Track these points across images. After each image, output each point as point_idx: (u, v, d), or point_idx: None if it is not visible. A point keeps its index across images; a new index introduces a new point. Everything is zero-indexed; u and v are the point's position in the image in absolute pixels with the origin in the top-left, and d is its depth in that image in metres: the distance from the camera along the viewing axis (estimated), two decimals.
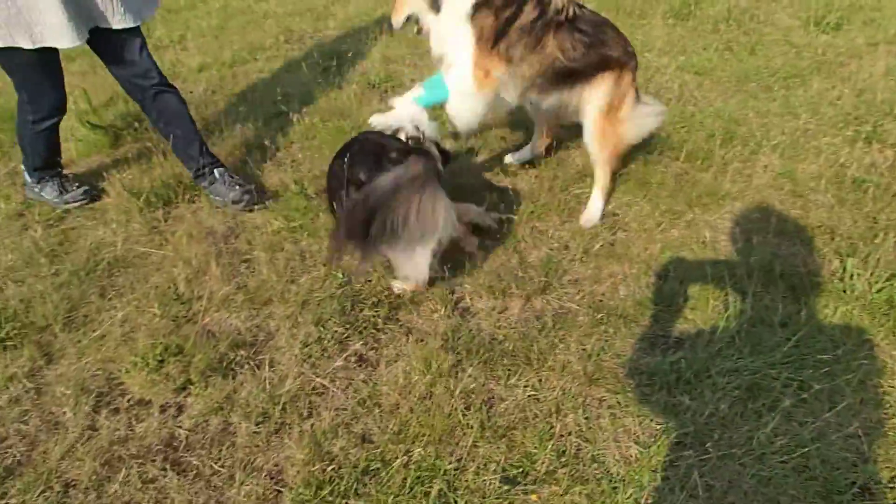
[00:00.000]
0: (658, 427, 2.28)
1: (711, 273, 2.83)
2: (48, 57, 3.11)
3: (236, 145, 4.00)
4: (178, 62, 5.22)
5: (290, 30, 5.70)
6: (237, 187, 3.51)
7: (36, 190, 3.65)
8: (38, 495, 2.22)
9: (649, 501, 2.07)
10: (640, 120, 3.17)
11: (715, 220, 3.21)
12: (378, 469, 2.22)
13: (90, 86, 4.74)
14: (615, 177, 3.39)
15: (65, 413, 2.52)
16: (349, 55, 5.09)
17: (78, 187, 3.67)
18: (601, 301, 2.84)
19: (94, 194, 3.69)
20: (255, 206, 3.52)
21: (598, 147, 3.18)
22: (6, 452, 2.38)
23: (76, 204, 3.63)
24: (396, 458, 2.23)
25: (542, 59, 3.00)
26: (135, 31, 3.23)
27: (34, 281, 3.10)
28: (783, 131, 3.78)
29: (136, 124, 4.16)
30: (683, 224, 3.19)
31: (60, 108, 3.40)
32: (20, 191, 3.79)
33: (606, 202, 3.35)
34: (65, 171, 3.78)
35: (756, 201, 3.28)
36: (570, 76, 3.05)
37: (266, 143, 3.99)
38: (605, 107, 3.09)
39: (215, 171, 3.58)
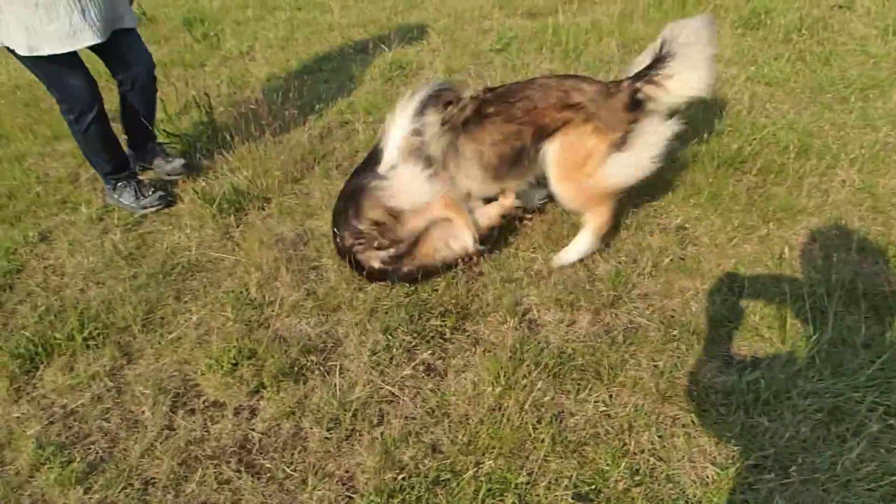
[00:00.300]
0: (736, 448, 2.22)
1: (790, 291, 2.74)
2: (67, 55, 3.30)
3: (304, 154, 4.07)
4: (247, 72, 5.37)
5: (354, 41, 5.79)
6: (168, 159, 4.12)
7: (115, 196, 3.81)
8: (120, 491, 2.31)
9: None
10: (620, 168, 2.86)
11: (790, 235, 3.11)
12: (448, 480, 2.22)
13: (163, 95, 4.93)
14: (609, 219, 3.09)
15: (144, 412, 2.61)
16: (413, 66, 5.15)
17: (153, 192, 3.81)
18: (672, 317, 2.79)
19: (169, 199, 3.83)
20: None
21: (573, 206, 3.06)
22: (89, 448, 2.48)
23: (153, 209, 3.77)
24: (467, 469, 2.23)
25: (469, 161, 2.99)
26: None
27: (114, 283, 3.23)
28: (861, 145, 3.64)
29: (209, 133, 4.29)
30: (757, 239, 3.10)
31: (92, 100, 3.55)
32: (101, 196, 3.96)
33: (596, 243, 3.07)
34: (140, 176, 3.93)
35: (834, 217, 3.16)
36: (511, 159, 2.97)
37: (332, 151, 4.08)
38: (561, 173, 2.93)
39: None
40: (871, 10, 5.30)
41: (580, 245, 3.05)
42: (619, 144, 2.82)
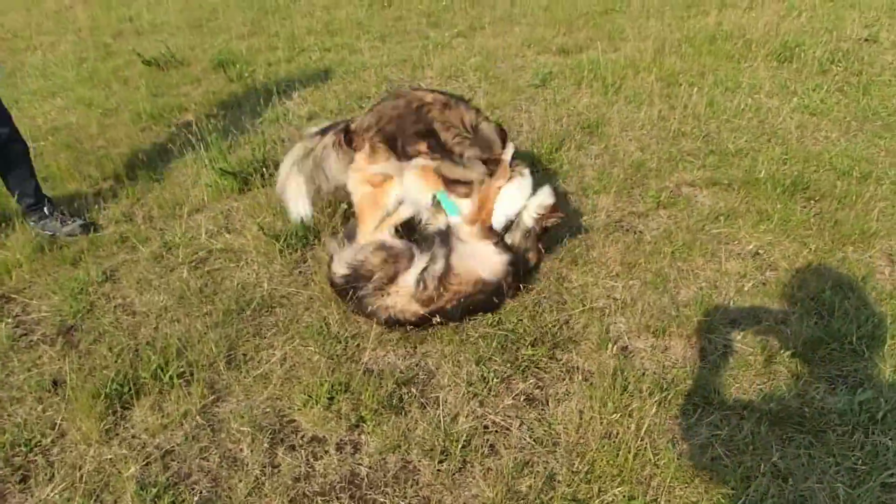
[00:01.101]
0: (863, 469, 2.21)
1: (879, 312, 2.77)
2: None
3: None
4: (287, 111, 5.43)
5: (389, 80, 5.89)
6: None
7: (40, 224, 3.98)
8: None
9: None
10: None
11: (868, 258, 3.15)
12: None
13: (208, 131, 4.97)
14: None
15: (242, 450, 2.56)
16: None
17: (73, 221, 3.99)
18: (765, 340, 2.79)
19: (91, 226, 4.03)
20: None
21: None
22: (193, 489, 2.42)
23: (75, 236, 3.94)
24: (591, 497, 2.20)
25: None
26: None
27: (189, 321, 3.20)
28: None
29: (264, 169, 4.31)
30: (836, 263, 3.14)
31: None
32: (159, 233, 3.95)
33: None
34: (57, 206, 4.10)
35: None
36: None
37: None
38: None
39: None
40: None
41: None
42: None
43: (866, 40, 5.57)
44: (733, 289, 3.06)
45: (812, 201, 3.57)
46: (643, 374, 2.67)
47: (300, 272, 3.51)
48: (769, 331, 2.83)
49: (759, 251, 3.30)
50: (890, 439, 2.28)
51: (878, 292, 2.96)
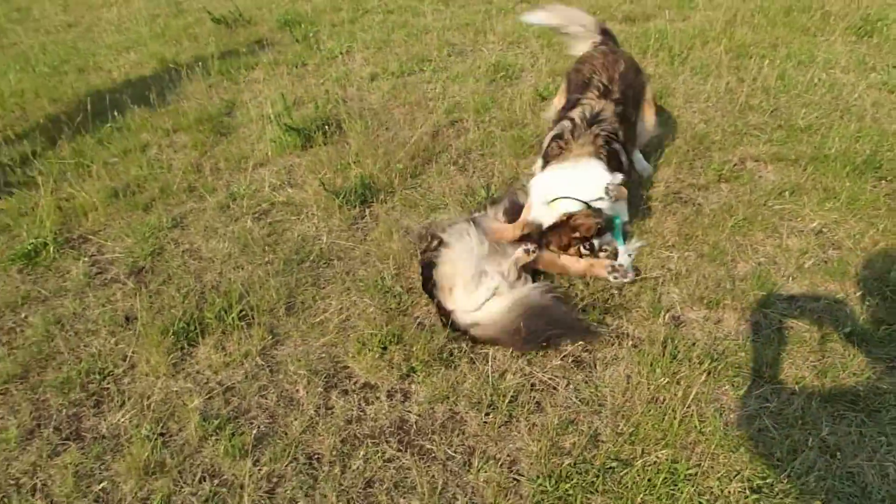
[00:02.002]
0: None
1: None
2: None
3: (418, 150, 4.15)
4: (350, 72, 5.50)
5: (451, 43, 5.88)
6: None
7: None
8: (287, 465, 2.38)
9: None
10: None
11: None
12: (615, 468, 2.23)
13: (272, 89, 5.09)
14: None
15: (298, 391, 2.68)
16: (515, 68, 5.21)
17: None
18: (821, 318, 2.75)
19: None
20: None
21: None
22: (252, 423, 2.56)
23: None
24: (635, 458, 2.24)
25: None
26: None
27: (252, 268, 3.34)
28: None
29: (326, 127, 4.40)
30: None
31: None
32: (225, 185, 4.10)
33: None
34: None
35: None
36: None
37: (446, 149, 4.16)
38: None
39: None
40: None
41: None
42: None
43: None
44: (793, 265, 3.00)
45: (884, 181, 3.45)
46: (693, 343, 2.67)
47: (358, 228, 3.61)
48: (827, 309, 2.78)
49: (823, 229, 3.22)
50: None
51: None
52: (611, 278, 2.94)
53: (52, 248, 3.58)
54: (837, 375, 2.46)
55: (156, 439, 2.47)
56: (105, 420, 2.63)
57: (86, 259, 3.55)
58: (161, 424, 2.57)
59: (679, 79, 4.76)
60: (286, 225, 3.70)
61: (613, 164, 3.15)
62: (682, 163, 3.79)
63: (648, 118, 3.80)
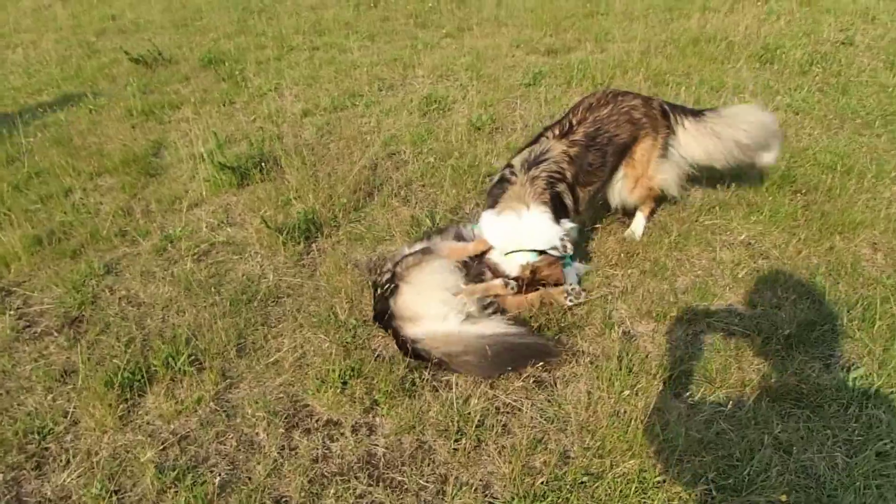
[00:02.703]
0: (858, 439, 2.33)
1: (868, 295, 2.91)
2: None
3: (358, 183, 4.15)
4: (282, 108, 5.46)
5: (380, 78, 5.95)
6: None
7: None
8: None
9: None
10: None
11: (853, 247, 3.30)
12: (587, 482, 2.27)
13: (201, 128, 4.98)
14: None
15: (258, 434, 2.60)
16: (447, 100, 5.32)
17: None
18: (759, 323, 2.91)
19: None
20: None
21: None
22: (213, 470, 2.45)
23: None
24: (605, 471, 2.29)
25: None
26: None
27: (196, 311, 3.22)
28: None
29: (262, 164, 4.34)
30: (824, 251, 3.28)
31: None
32: (159, 227, 3.97)
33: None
34: None
35: (892, 229, 3.38)
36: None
37: (386, 181, 4.19)
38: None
39: None
40: (871, 45, 5.71)
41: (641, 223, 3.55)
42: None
43: (842, 43, 5.78)
44: (729, 276, 3.18)
45: (799, 194, 3.72)
46: (647, 356, 2.77)
47: (304, 264, 3.56)
48: (765, 315, 2.95)
49: (751, 241, 3.44)
50: (883, 412, 2.41)
51: (864, 278, 3.11)
52: (567, 302, 3.02)
53: None
54: (781, 376, 2.61)
55: (109, 497, 2.33)
56: (49, 482, 2.46)
57: (11, 312, 3.33)
58: (113, 481, 2.42)
59: None
60: (229, 265, 3.61)
61: (558, 209, 3.15)
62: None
63: (627, 183, 3.47)
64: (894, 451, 2.28)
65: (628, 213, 3.66)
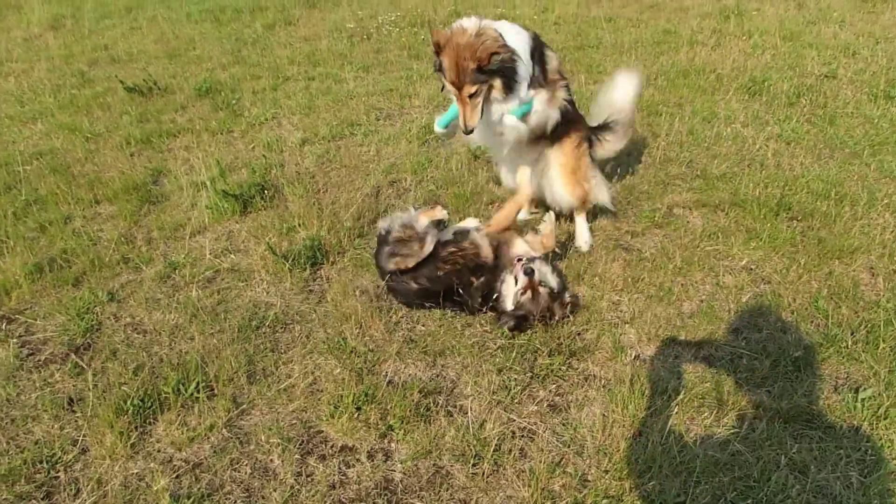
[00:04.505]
0: (872, 458, 2.37)
1: (871, 318, 2.98)
2: None
3: (361, 210, 4.18)
4: (280, 137, 5.50)
5: (377, 108, 6.02)
6: None
7: None
8: None
9: None
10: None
11: (852, 272, 3.38)
12: None
13: (199, 156, 4.99)
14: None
15: (273, 460, 2.58)
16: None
17: None
18: (766, 347, 2.96)
19: None
20: None
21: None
22: (228, 498, 2.43)
23: None
24: (624, 493, 2.30)
25: None
26: None
27: (204, 338, 3.21)
28: (888, 193, 4.03)
29: (264, 192, 4.37)
30: (823, 276, 3.36)
31: None
32: (161, 254, 3.95)
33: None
34: None
35: (888, 254, 3.48)
36: None
37: (389, 209, 4.22)
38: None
39: None
40: (853, 78, 5.91)
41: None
42: None
43: (826, 76, 5.98)
44: (733, 300, 3.24)
45: (795, 220, 3.81)
46: (658, 379, 2.80)
47: (311, 290, 3.56)
48: (771, 338, 3.01)
49: (752, 266, 3.51)
50: (893, 432, 2.45)
51: (864, 302, 3.18)
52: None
53: None
54: (792, 397, 2.65)
55: None
56: None
57: (14, 340, 3.29)
58: None
59: None
60: (235, 292, 3.60)
61: None
62: (616, 211, 4.04)
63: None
64: None
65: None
